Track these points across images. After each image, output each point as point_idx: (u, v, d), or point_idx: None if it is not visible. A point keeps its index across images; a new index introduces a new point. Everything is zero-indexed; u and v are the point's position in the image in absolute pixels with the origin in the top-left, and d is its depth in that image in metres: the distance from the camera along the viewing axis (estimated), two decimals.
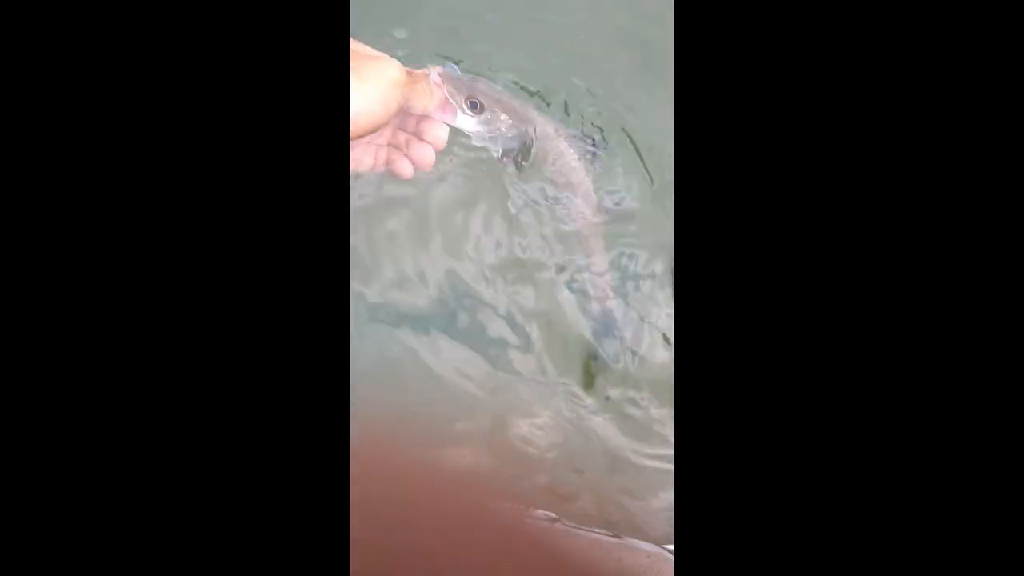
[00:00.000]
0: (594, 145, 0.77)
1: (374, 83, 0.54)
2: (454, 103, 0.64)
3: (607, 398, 0.87)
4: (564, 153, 0.75)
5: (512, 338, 0.86)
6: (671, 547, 0.77)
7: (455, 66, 0.65)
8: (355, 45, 0.57)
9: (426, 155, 0.63)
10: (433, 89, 0.61)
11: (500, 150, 0.71)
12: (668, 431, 0.86)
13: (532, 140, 0.72)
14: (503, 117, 0.68)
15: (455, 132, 0.67)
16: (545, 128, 0.73)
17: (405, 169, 0.63)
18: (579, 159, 0.76)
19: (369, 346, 0.84)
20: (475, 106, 0.66)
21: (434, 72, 0.62)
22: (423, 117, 0.62)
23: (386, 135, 0.63)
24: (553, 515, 0.78)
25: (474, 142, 0.71)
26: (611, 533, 0.76)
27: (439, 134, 0.63)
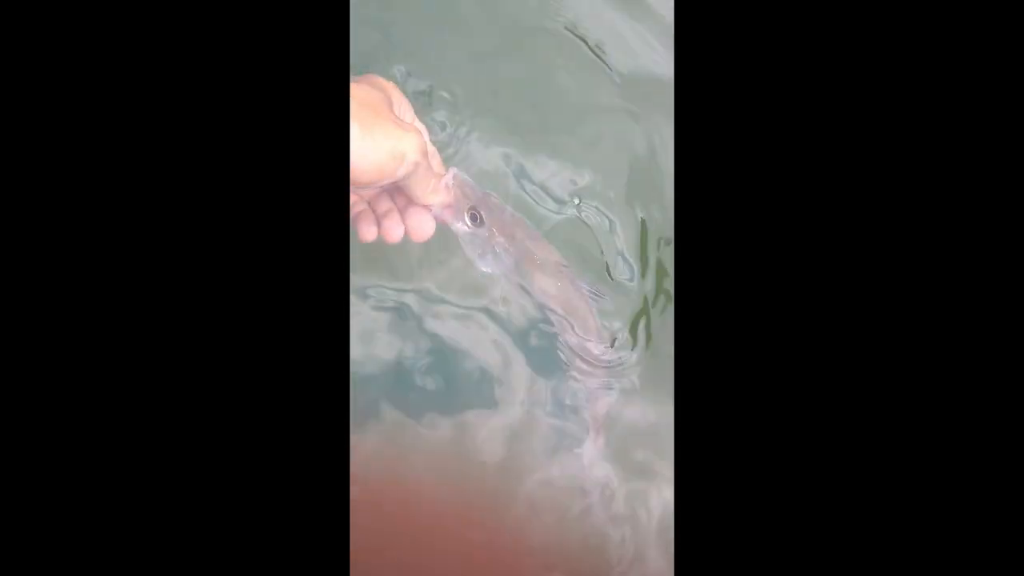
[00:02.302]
0: (598, 294, 0.75)
1: (382, 145, 0.52)
2: (457, 211, 0.63)
3: None
4: (565, 288, 0.73)
5: None
6: None
7: (469, 178, 0.65)
8: (400, 100, 0.57)
9: (395, 232, 0.60)
10: (440, 189, 0.60)
11: (488, 269, 0.69)
12: None
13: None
14: (500, 239, 0.67)
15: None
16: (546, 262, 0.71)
17: (367, 233, 0.61)
18: (579, 298, 0.74)
19: None
20: (475, 219, 0.65)
21: (449, 175, 0.61)
22: (414, 203, 0.60)
23: (368, 194, 0.61)
24: None
25: (466, 252, 0.69)
26: None
27: (425, 227, 0.60)
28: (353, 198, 0.60)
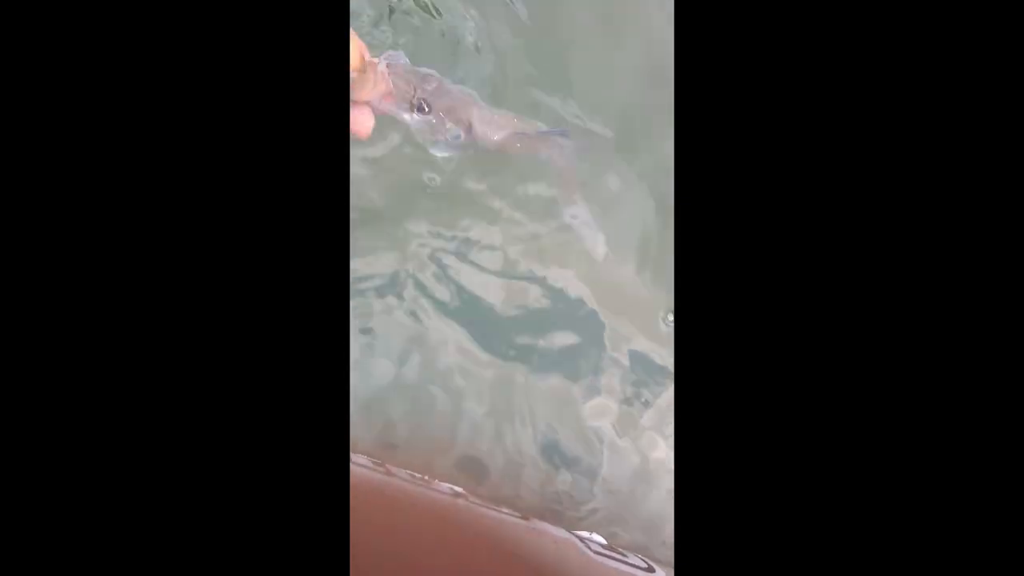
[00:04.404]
0: (561, 135, 0.72)
1: None
2: (399, 99, 0.60)
3: None
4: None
5: None
6: (584, 533, 0.72)
7: (403, 55, 0.61)
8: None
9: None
10: (379, 79, 0.57)
11: (443, 153, 0.67)
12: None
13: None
14: (449, 125, 0.64)
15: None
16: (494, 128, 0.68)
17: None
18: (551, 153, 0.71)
19: None
20: (422, 108, 0.62)
21: (383, 62, 0.58)
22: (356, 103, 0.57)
23: None
24: (459, 489, 0.72)
25: (417, 138, 0.67)
26: (518, 514, 0.71)
27: (361, 125, 0.57)
28: None
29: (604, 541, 0.74)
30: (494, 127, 0.67)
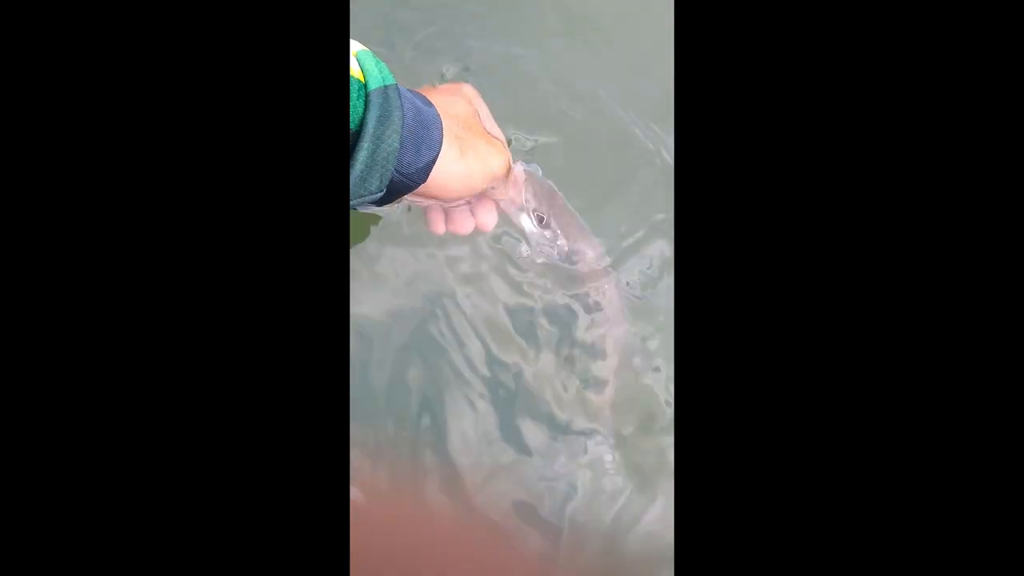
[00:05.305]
0: (638, 294, 0.76)
1: (475, 167, 0.54)
2: (524, 207, 0.65)
3: None
4: (605, 292, 0.74)
5: None
6: None
7: (538, 167, 0.66)
8: (482, 105, 0.59)
9: (466, 226, 0.62)
10: (514, 184, 0.62)
11: (541, 260, 0.71)
12: None
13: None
14: (561, 242, 0.69)
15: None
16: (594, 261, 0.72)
17: (438, 226, 0.63)
18: (620, 301, 0.75)
19: None
20: (541, 220, 0.66)
21: (519, 167, 0.63)
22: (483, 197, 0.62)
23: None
24: None
25: (527, 242, 0.70)
26: None
27: (487, 220, 0.62)
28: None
29: None
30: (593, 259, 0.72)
